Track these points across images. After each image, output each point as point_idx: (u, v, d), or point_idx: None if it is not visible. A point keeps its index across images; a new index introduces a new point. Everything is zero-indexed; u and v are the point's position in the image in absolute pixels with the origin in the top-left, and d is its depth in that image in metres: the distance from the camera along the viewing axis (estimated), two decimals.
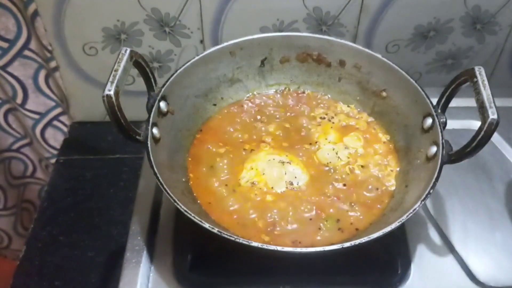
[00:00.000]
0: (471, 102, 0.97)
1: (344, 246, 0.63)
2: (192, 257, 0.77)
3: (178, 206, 0.66)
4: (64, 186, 1.03)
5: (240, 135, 0.85)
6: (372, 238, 0.64)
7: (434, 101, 0.78)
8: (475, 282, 0.75)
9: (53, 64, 1.06)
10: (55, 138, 1.20)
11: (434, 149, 0.73)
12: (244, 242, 0.63)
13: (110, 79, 0.67)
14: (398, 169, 0.81)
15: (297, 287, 0.76)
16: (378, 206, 0.76)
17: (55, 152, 1.22)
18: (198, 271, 0.76)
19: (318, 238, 0.73)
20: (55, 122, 1.18)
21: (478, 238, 0.81)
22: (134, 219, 0.83)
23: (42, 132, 1.19)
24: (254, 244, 0.63)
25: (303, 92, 0.93)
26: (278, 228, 0.74)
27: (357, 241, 0.63)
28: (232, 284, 0.77)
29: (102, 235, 0.93)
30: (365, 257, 0.75)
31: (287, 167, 0.80)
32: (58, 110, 1.17)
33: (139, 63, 0.74)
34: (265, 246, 0.63)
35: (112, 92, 0.66)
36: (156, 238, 0.80)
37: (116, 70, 0.69)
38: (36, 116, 1.16)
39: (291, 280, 0.76)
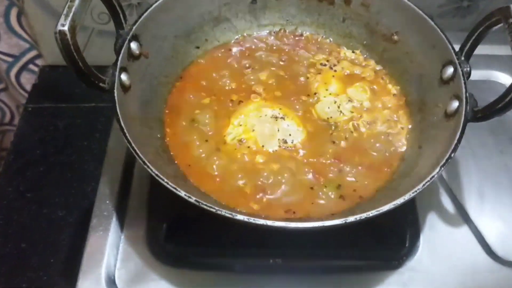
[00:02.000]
0: (494, 50, 0.86)
1: (347, 221, 0.54)
2: (168, 225, 0.71)
3: (149, 169, 0.57)
4: (33, 136, 0.96)
5: (226, 84, 0.77)
6: (381, 211, 0.55)
7: (455, 47, 0.69)
8: (492, 256, 0.71)
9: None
10: (32, 83, 1.10)
11: (455, 104, 0.66)
12: (227, 215, 0.54)
13: (65, 12, 0.57)
14: (410, 126, 0.74)
15: (290, 261, 0.69)
16: (386, 169, 0.69)
17: None
18: (175, 242, 0.70)
19: (316, 207, 0.65)
20: (31, 66, 1.10)
21: (496, 206, 0.76)
22: (102, 180, 0.75)
23: (17, 76, 1.12)
24: (239, 217, 0.54)
25: (301, 35, 0.85)
26: (269, 195, 0.65)
27: (363, 215, 0.54)
28: (213, 257, 0.70)
29: (74, 192, 0.87)
30: (367, 227, 0.66)
31: (281, 122, 0.72)
32: (34, 52, 1.09)
33: None
34: (252, 220, 0.54)
35: (66, 28, 0.56)
36: (128, 203, 0.74)
37: (73, 1, 0.58)
38: (10, 59, 1.09)
39: (282, 253, 0.69)
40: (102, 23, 0.98)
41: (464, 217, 0.74)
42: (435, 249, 0.70)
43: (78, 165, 0.91)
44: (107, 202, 0.72)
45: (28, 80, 1.12)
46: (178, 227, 0.70)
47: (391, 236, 0.71)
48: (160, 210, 0.72)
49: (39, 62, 1.10)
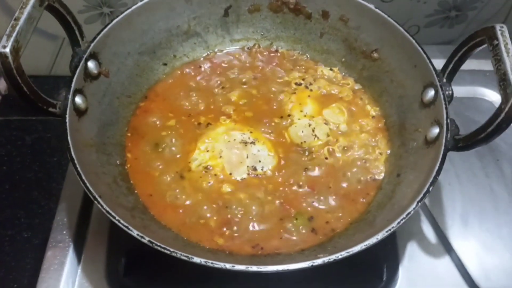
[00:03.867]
0: (480, 65, 0.83)
1: (314, 264, 0.50)
2: (128, 259, 0.66)
3: (100, 205, 0.53)
4: None
5: (194, 104, 0.74)
6: (351, 253, 0.51)
7: (437, 64, 0.65)
8: None
9: None
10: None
11: (436, 130, 0.62)
12: (182, 257, 0.50)
13: (7, 32, 0.53)
14: (388, 152, 0.70)
15: None
16: (362, 199, 0.66)
17: None
18: (134, 277, 0.65)
19: (285, 241, 0.61)
20: None
21: (480, 234, 0.71)
22: (60, 207, 0.71)
23: None
24: (196, 259, 0.50)
25: (276, 51, 0.81)
26: (235, 228, 0.61)
27: (332, 257, 0.51)
28: None
29: (40, 212, 0.83)
30: (341, 260, 0.61)
31: (251, 148, 0.68)
32: None
33: (54, 9, 0.60)
34: (209, 263, 0.50)
35: (8, 50, 0.52)
36: (87, 232, 0.70)
37: (17, 19, 0.54)
38: None
39: None
40: None
41: (446, 246, 0.70)
42: (415, 283, 0.67)
43: (45, 182, 0.87)
44: (64, 232, 0.68)
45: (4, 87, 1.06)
46: (138, 261, 0.66)
47: (367, 269, 0.66)
48: (120, 241, 0.67)
49: None
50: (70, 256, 0.66)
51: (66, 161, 0.89)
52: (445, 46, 0.94)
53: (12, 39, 0.52)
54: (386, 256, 0.68)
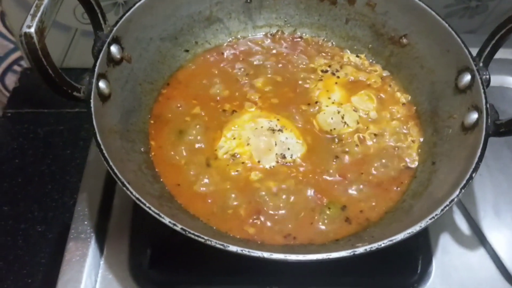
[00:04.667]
0: (505, 54, 0.82)
1: (356, 253, 0.48)
2: (153, 249, 0.65)
3: (129, 192, 0.51)
4: (11, 145, 0.92)
5: (218, 91, 0.73)
6: (394, 241, 0.49)
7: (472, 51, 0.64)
8: (511, 281, 0.65)
9: None
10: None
11: (474, 115, 0.61)
12: (217, 245, 0.48)
13: (32, 12, 0.51)
14: (421, 139, 0.69)
15: None
16: (396, 188, 0.64)
17: None
18: (160, 268, 0.64)
19: (318, 231, 0.59)
20: (16, 67, 1.06)
21: None
22: (81, 197, 0.70)
23: (2, 78, 1.08)
24: (232, 248, 0.48)
25: (300, 37, 0.80)
26: (265, 217, 0.60)
27: (374, 245, 0.49)
28: (202, 284, 0.64)
29: (54, 206, 0.83)
30: (375, 252, 0.60)
31: (278, 135, 0.66)
32: (18, 53, 1.04)
33: None
34: (246, 251, 0.48)
35: (33, 30, 0.50)
36: (108, 223, 0.68)
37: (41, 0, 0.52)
38: None
39: (279, 281, 0.63)
40: (86, 23, 0.95)
41: (479, 237, 0.69)
42: (449, 275, 0.66)
43: (59, 176, 0.87)
44: (85, 222, 0.67)
45: (13, 82, 1.08)
46: (164, 252, 0.65)
47: (401, 262, 0.65)
48: (144, 232, 0.66)
49: (24, 63, 1.07)
50: (92, 247, 0.65)
51: (79, 154, 0.90)
52: (471, 35, 0.93)
53: (36, 19, 0.50)
54: (420, 249, 0.66)
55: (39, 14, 0.51)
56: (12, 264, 0.76)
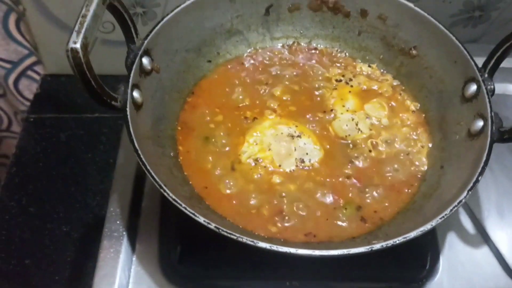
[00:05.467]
0: (509, 63, 0.84)
1: (373, 249, 0.52)
2: (182, 246, 0.68)
3: (166, 194, 0.55)
4: (35, 148, 0.94)
5: (240, 99, 0.75)
6: (408, 238, 0.53)
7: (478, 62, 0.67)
8: None
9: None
10: (30, 89, 1.10)
11: (479, 123, 0.64)
12: (248, 242, 0.52)
13: (76, 28, 0.54)
14: (430, 145, 0.71)
15: (307, 283, 0.67)
16: (407, 190, 0.67)
17: None
18: (189, 263, 0.67)
19: (336, 229, 0.62)
20: (30, 73, 1.09)
21: None
22: (112, 199, 0.72)
23: (16, 83, 1.10)
24: (262, 244, 0.52)
25: (315, 48, 0.82)
26: (287, 217, 0.63)
27: (389, 242, 0.53)
28: (229, 279, 0.67)
29: (78, 207, 0.85)
30: (389, 249, 0.64)
31: (297, 141, 0.69)
32: (32, 59, 1.06)
33: (114, 7, 0.61)
34: (274, 248, 0.51)
35: (78, 45, 0.53)
36: (138, 222, 0.71)
37: (84, 17, 0.55)
38: (8, 66, 1.07)
39: (299, 276, 0.66)
40: (106, 32, 0.97)
41: (484, 236, 0.72)
42: (455, 270, 0.68)
43: (81, 178, 0.89)
44: (118, 222, 0.70)
45: (26, 87, 1.11)
46: (191, 248, 0.67)
47: (411, 258, 0.68)
48: (172, 229, 0.69)
49: (38, 68, 1.08)
50: (125, 245, 0.67)
51: (100, 157, 0.92)
52: (470, 44, 0.96)
53: (81, 35, 0.53)
54: (428, 246, 0.69)
55: (83, 31, 0.53)
56: (40, 262, 0.78)
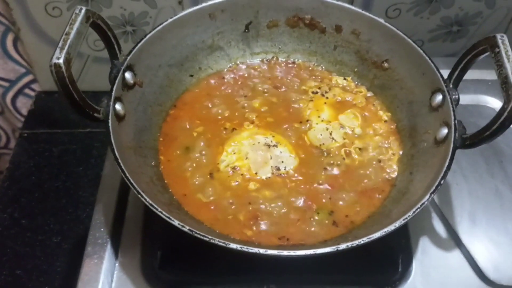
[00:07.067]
0: (482, 74, 0.87)
1: (339, 249, 0.54)
2: (163, 252, 0.69)
3: (143, 199, 0.57)
4: (28, 163, 0.97)
5: (220, 111, 0.77)
6: (372, 238, 0.55)
7: (442, 74, 0.69)
8: (484, 280, 0.70)
9: None
10: (28, 107, 1.12)
11: (444, 130, 0.66)
12: (220, 243, 0.54)
13: (60, 45, 0.57)
14: (401, 152, 0.73)
15: (284, 286, 0.68)
16: (378, 195, 0.69)
17: None
18: (169, 269, 0.69)
19: (309, 233, 0.64)
20: (27, 91, 1.12)
21: (488, 230, 0.75)
22: (97, 207, 0.75)
23: (13, 101, 1.13)
24: (232, 245, 0.54)
25: (293, 62, 0.85)
26: (262, 222, 0.65)
27: (355, 242, 0.55)
28: (208, 284, 0.69)
29: (69, 219, 0.88)
30: (360, 252, 0.65)
31: (273, 150, 0.72)
32: (29, 77, 1.10)
33: (97, 25, 0.64)
34: (244, 248, 0.54)
35: (61, 61, 0.56)
36: (122, 230, 0.73)
37: (68, 34, 0.59)
38: (6, 84, 1.10)
39: (276, 279, 0.68)
40: (97, 49, 1.00)
41: (456, 241, 0.73)
42: (428, 274, 0.70)
43: (73, 191, 0.91)
44: (102, 229, 0.71)
45: (24, 104, 1.13)
46: (172, 254, 0.69)
47: (384, 261, 0.70)
48: (154, 237, 0.71)
49: (35, 86, 1.11)
50: (108, 251, 0.69)
51: (91, 170, 0.95)
52: (448, 58, 0.99)
53: (64, 51, 0.56)
54: (401, 249, 0.71)
55: (66, 47, 0.57)
56: (31, 273, 0.80)
